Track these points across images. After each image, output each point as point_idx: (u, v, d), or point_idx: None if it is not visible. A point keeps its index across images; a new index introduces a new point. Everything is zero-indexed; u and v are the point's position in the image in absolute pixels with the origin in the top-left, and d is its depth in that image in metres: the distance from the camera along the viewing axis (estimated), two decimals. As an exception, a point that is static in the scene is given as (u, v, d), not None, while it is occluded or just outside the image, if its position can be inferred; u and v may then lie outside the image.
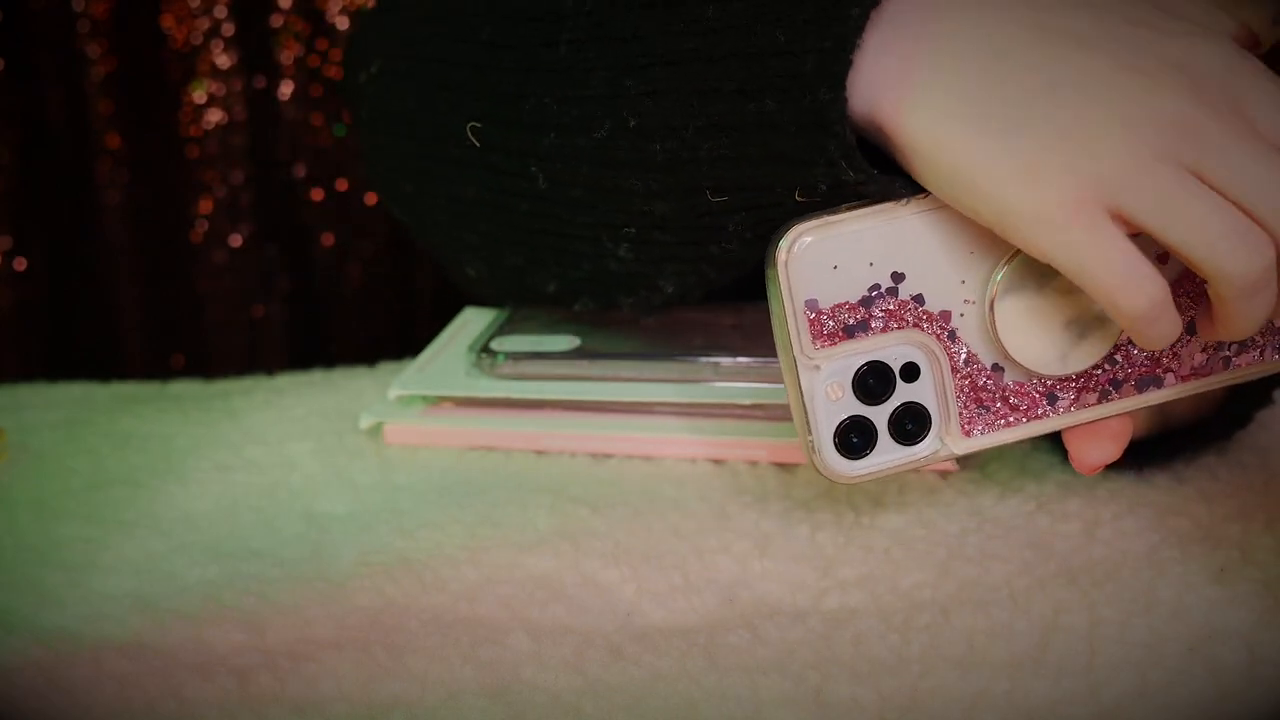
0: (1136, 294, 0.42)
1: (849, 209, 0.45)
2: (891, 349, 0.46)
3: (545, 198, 0.54)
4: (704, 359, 0.61)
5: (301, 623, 0.45)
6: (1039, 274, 0.46)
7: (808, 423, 0.47)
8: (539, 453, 0.60)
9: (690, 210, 0.50)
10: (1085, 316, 0.46)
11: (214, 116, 1.45)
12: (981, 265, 0.46)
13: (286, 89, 1.45)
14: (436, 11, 0.61)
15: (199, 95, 1.43)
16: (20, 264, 1.38)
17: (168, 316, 1.24)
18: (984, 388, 0.47)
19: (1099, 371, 0.47)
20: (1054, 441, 0.60)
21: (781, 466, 0.58)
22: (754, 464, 0.58)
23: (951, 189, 0.44)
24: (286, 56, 1.43)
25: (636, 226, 0.53)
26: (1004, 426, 0.48)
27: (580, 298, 0.60)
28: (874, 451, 0.47)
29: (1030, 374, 0.47)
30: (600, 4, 0.51)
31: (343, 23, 1.51)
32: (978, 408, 0.47)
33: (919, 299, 0.46)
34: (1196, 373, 0.48)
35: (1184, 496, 0.55)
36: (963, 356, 0.47)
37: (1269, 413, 0.63)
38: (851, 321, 0.46)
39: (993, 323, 0.46)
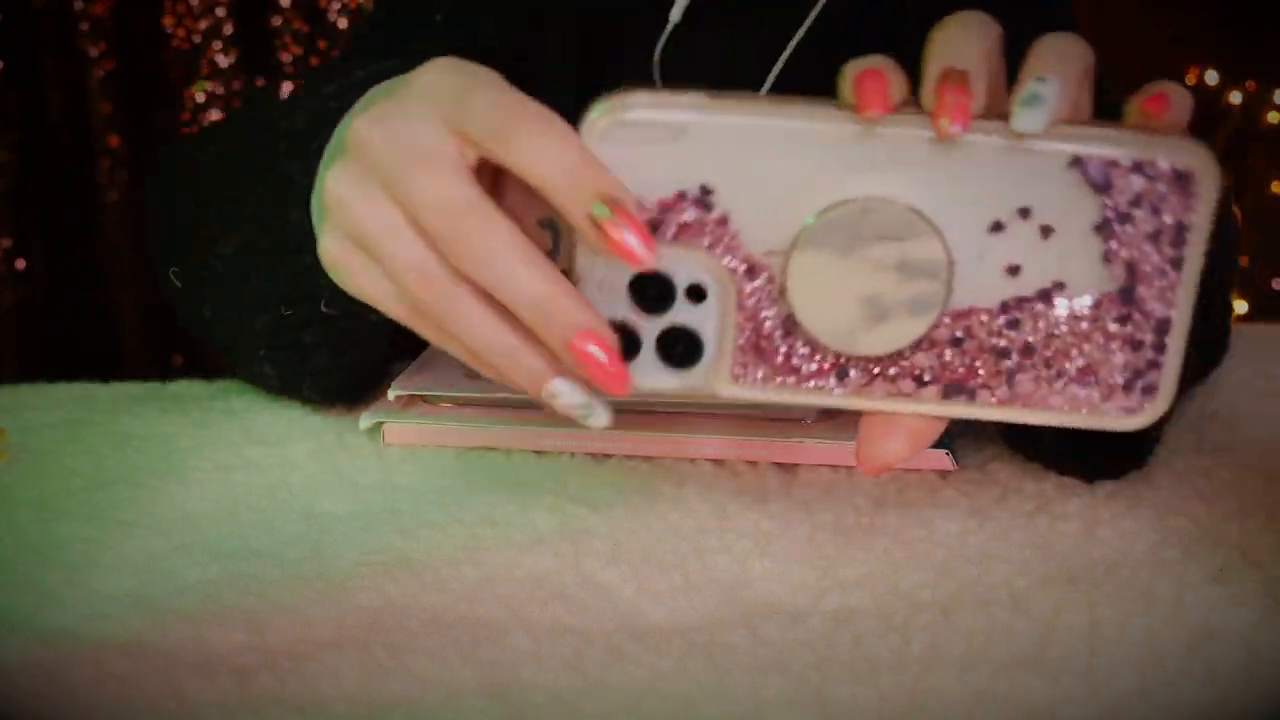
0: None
1: (685, 93, 0.41)
2: (682, 264, 0.42)
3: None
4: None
5: (301, 623, 0.45)
6: (850, 235, 0.41)
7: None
8: (539, 453, 0.60)
9: (278, 324, 0.56)
10: (891, 298, 0.42)
11: (214, 117, 1.45)
12: (801, 205, 0.41)
13: (286, 89, 1.44)
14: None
15: (199, 95, 1.43)
16: (20, 264, 1.39)
17: (168, 316, 1.25)
18: (768, 337, 0.43)
19: (905, 363, 0.43)
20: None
21: (781, 466, 0.58)
22: (754, 464, 0.58)
23: None
24: (286, 56, 1.43)
25: (264, 346, 0.59)
26: (778, 385, 0.43)
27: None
28: (635, 365, 0.43)
29: (830, 349, 0.43)
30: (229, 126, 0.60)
31: (343, 23, 1.52)
32: (755, 356, 0.43)
33: (724, 220, 0.42)
34: (1020, 400, 0.43)
35: (1184, 496, 0.55)
36: (755, 298, 0.42)
37: (1270, 411, 0.63)
38: (645, 219, 0.42)
39: (785, 273, 0.42)
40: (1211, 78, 1.80)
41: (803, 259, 0.42)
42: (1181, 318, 0.42)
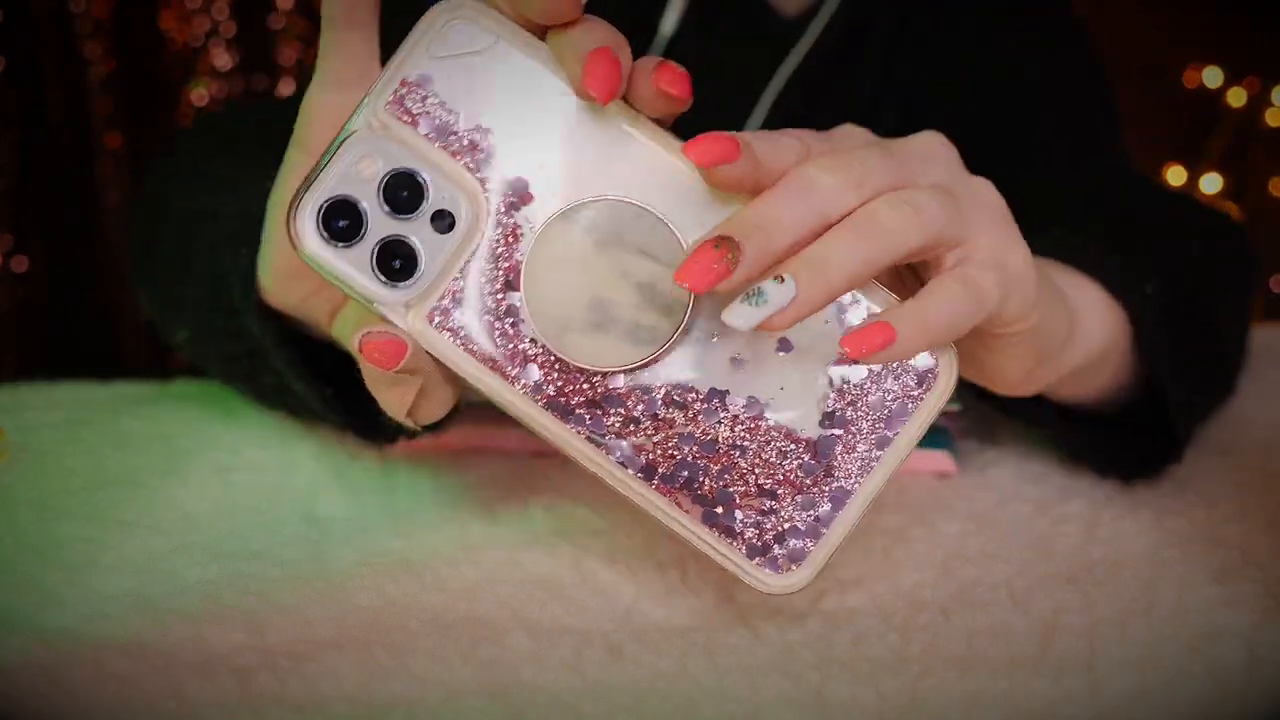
0: None
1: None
2: (446, 184, 0.40)
3: None
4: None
5: (301, 623, 0.45)
6: (616, 233, 0.40)
7: (321, 163, 0.40)
8: (539, 454, 0.60)
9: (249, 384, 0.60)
10: (620, 314, 0.40)
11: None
12: (587, 185, 0.40)
13: (286, 89, 1.44)
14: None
15: (199, 95, 1.43)
16: (20, 264, 1.39)
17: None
18: (482, 297, 0.40)
19: (590, 398, 0.41)
20: (1055, 442, 0.59)
21: (781, 466, 0.58)
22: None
23: None
24: (286, 56, 1.43)
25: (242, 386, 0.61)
26: (467, 348, 0.41)
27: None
28: (345, 255, 0.40)
29: (535, 329, 0.41)
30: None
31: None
32: (461, 307, 0.41)
33: (515, 167, 0.40)
34: (680, 498, 0.41)
35: (1184, 498, 0.55)
36: (496, 254, 0.41)
37: (1271, 413, 0.63)
38: (437, 121, 0.40)
39: (537, 236, 0.40)
40: (1211, 78, 1.79)
41: (560, 229, 0.40)
42: (862, 499, 0.41)
